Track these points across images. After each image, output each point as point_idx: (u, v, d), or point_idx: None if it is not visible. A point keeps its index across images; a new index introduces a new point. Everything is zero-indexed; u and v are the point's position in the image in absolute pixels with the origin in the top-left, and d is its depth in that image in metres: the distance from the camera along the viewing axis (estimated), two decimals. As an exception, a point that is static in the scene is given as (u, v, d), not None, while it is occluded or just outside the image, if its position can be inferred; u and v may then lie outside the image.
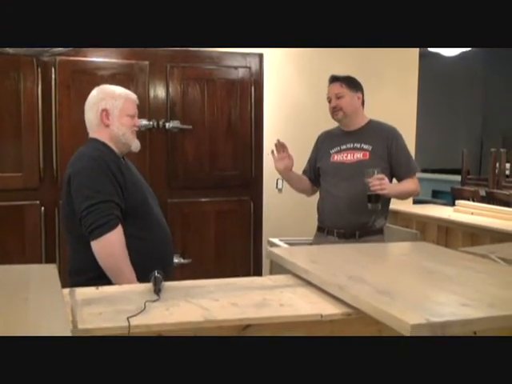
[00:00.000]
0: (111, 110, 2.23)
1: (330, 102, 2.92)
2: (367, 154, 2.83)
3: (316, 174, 3.03)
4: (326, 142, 3.01)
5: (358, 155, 2.84)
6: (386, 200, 2.87)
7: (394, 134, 2.91)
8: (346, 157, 2.87)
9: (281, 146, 2.86)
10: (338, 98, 2.87)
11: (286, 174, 2.95)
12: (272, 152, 2.88)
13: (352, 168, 2.80)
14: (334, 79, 2.93)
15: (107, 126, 2.23)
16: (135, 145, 2.31)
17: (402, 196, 3.00)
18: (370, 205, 2.68)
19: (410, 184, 2.88)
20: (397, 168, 2.87)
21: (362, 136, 2.88)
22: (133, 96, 2.32)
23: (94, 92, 2.29)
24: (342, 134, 2.95)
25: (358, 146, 2.86)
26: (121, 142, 2.25)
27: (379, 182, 2.64)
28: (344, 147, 2.89)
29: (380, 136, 2.87)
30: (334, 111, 2.89)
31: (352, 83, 2.92)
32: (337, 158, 2.90)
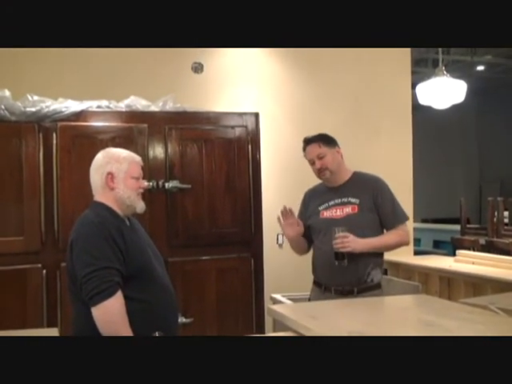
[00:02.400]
0: (116, 174, 2.28)
1: (313, 164, 2.92)
2: (356, 207, 2.84)
3: (306, 232, 3.03)
4: (313, 199, 3.02)
5: (347, 209, 2.84)
6: (378, 252, 2.87)
7: (378, 184, 2.92)
8: (336, 212, 2.87)
9: (287, 212, 2.87)
10: (320, 158, 2.88)
11: (297, 239, 2.95)
12: (278, 219, 2.89)
13: (342, 223, 2.79)
14: (310, 141, 2.93)
15: (112, 189, 2.27)
16: (140, 206, 2.35)
17: (381, 250, 2.92)
18: (336, 262, 2.71)
19: (392, 236, 2.86)
20: (384, 218, 2.87)
21: (348, 190, 2.89)
22: (137, 158, 2.39)
23: (100, 155, 2.34)
24: (328, 190, 2.96)
25: (346, 200, 2.86)
26: (126, 205, 2.29)
27: (341, 241, 2.67)
28: (332, 203, 2.90)
29: (365, 188, 2.89)
30: (321, 171, 2.90)
31: (328, 140, 2.93)
32: (326, 214, 2.90)
